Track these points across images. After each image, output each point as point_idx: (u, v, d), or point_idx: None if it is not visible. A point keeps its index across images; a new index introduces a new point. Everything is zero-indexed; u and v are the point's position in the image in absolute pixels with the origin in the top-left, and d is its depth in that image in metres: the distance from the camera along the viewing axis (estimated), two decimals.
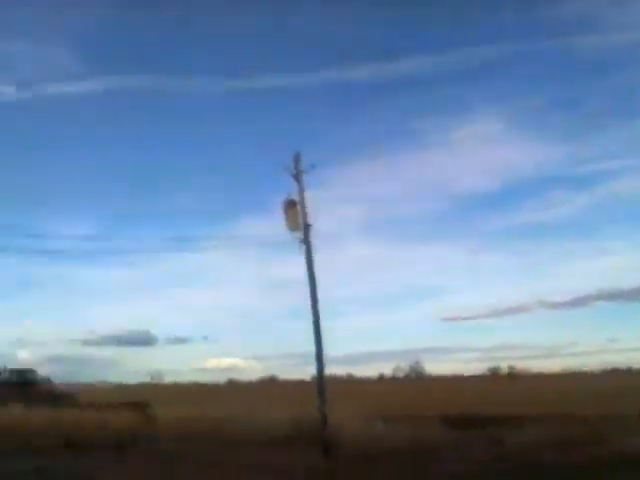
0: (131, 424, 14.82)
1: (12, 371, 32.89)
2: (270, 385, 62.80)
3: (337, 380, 42.35)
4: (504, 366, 72.11)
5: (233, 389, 51.70)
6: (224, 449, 12.05)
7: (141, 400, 26.54)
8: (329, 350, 13.30)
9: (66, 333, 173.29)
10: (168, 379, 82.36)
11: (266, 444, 12.22)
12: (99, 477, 10.52)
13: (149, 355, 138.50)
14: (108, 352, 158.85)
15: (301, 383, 43.65)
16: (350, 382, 48.41)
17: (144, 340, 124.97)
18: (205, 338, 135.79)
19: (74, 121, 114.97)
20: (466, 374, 70.13)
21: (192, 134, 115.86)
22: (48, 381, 34.42)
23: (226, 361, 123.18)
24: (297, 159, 13.74)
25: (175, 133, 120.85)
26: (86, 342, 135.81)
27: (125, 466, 11.47)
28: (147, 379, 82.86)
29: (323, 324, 13.05)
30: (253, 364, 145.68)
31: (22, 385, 30.39)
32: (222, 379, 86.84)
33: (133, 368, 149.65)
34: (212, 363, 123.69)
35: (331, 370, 15.04)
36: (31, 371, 33.53)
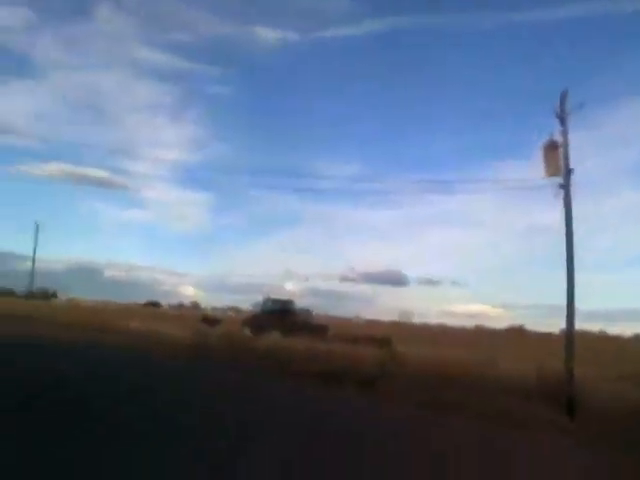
0: (379, 360, 15.68)
1: (274, 301, 34.77)
2: (517, 335, 60.65)
3: (588, 336, 38.86)
4: None
5: (480, 335, 51.23)
6: (466, 394, 12.14)
7: (385, 337, 27.71)
8: (581, 304, 12.48)
9: (327, 269, 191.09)
10: (417, 320, 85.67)
11: (508, 393, 12.00)
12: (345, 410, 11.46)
13: (400, 295, 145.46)
14: (363, 289, 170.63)
15: (549, 336, 41.37)
16: (602, 339, 43.94)
17: (397, 280, 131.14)
18: (455, 282, 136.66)
19: (347, 65, 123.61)
20: None
21: (453, 75, 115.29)
22: (307, 312, 35.72)
23: (474, 307, 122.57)
24: (563, 98, 12.74)
25: (436, 75, 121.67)
26: (344, 278, 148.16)
27: (371, 400, 12.46)
28: (397, 318, 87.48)
29: (578, 276, 12.24)
30: (501, 312, 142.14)
31: (281, 314, 32.04)
32: (470, 324, 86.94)
33: (385, 306, 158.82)
34: (460, 308, 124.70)
35: (582, 325, 13.90)
36: (290, 302, 35.14)
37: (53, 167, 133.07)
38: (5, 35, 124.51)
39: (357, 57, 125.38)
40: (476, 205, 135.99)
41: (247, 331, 28.42)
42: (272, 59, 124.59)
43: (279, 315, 31.94)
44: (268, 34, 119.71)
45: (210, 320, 26.87)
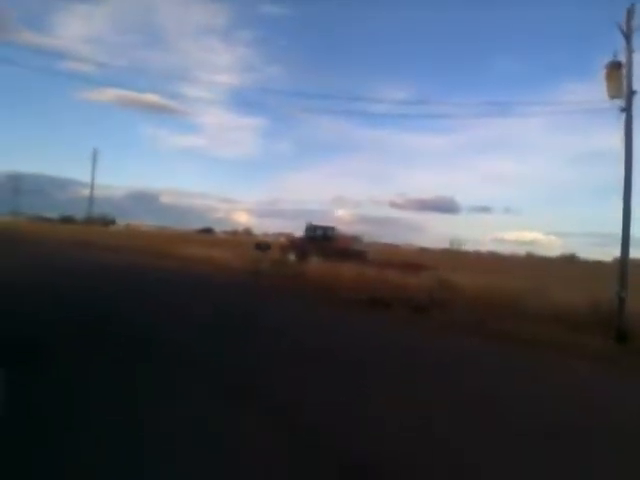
0: (427, 287, 15.97)
1: (315, 227, 35.29)
2: (569, 263, 59.77)
3: None
4: None
5: (531, 263, 50.83)
6: (514, 322, 12.35)
7: (419, 263, 28.06)
8: (637, 233, 12.27)
9: (378, 195, 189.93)
10: (468, 247, 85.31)
11: (557, 322, 12.14)
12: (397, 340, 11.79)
13: (452, 222, 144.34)
14: (414, 216, 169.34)
15: (601, 264, 40.60)
16: None
17: (448, 207, 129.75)
18: (507, 209, 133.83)
19: None
20: None
21: None
22: (351, 238, 35.92)
23: (526, 234, 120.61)
24: (630, 13, 12.00)
25: None
26: (395, 205, 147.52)
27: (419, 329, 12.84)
28: (448, 245, 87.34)
29: (635, 204, 11.99)
30: (553, 240, 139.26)
31: (322, 240, 32.93)
32: (521, 252, 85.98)
33: (436, 233, 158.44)
34: (512, 235, 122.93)
35: (637, 254, 13.63)
36: (331, 228, 35.51)
37: (110, 93, 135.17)
38: None
39: None
40: (531, 130, 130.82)
41: (291, 256, 29.29)
42: None
43: (320, 241, 32.74)
44: None
45: (262, 246, 27.95)
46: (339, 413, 5.41)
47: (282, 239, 45.74)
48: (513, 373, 8.33)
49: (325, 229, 35.30)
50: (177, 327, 9.81)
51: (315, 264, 22.31)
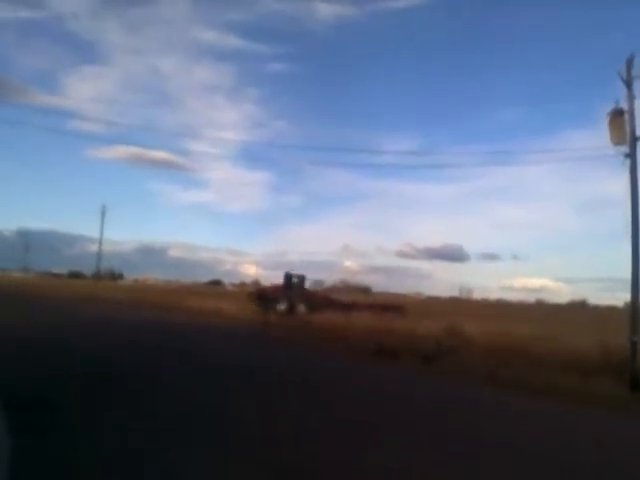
0: (435, 335, 15.86)
1: (291, 276, 35.99)
2: (579, 309, 59.08)
3: None
4: None
5: (541, 310, 50.29)
6: (527, 369, 12.20)
7: (398, 305, 28.98)
8: None
9: (385, 245, 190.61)
10: (476, 295, 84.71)
11: (569, 368, 11.98)
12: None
13: (460, 270, 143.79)
14: (422, 265, 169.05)
15: (613, 309, 40.16)
16: None
17: (456, 255, 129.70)
18: (515, 256, 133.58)
19: (404, 37, 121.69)
20: None
21: (514, 44, 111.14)
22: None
23: (535, 281, 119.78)
24: (630, 62, 12.35)
25: (497, 45, 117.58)
26: (403, 254, 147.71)
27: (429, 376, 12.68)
28: (456, 293, 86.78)
29: None
30: (562, 286, 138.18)
31: (296, 288, 33.84)
32: (530, 299, 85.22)
33: (444, 282, 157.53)
34: (521, 282, 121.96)
35: None
36: (301, 277, 36.43)
37: (118, 150, 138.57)
38: (72, 23, 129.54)
39: (413, 28, 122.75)
40: (536, 177, 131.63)
41: (280, 306, 30.23)
42: (331, 34, 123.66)
43: (294, 289, 33.72)
44: (326, 9, 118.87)
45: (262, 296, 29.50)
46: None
47: (250, 289, 46.43)
48: (533, 426, 8.14)
49: (299, 277, 36.44)
50: (190, 386, 9.74)
51: (329, 316, 22.39)
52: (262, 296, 33.70)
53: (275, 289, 35.65)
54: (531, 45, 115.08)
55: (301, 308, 27.83)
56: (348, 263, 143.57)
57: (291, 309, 28.37)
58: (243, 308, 28.62)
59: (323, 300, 32.00)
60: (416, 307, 34.69)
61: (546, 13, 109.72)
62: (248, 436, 6.12)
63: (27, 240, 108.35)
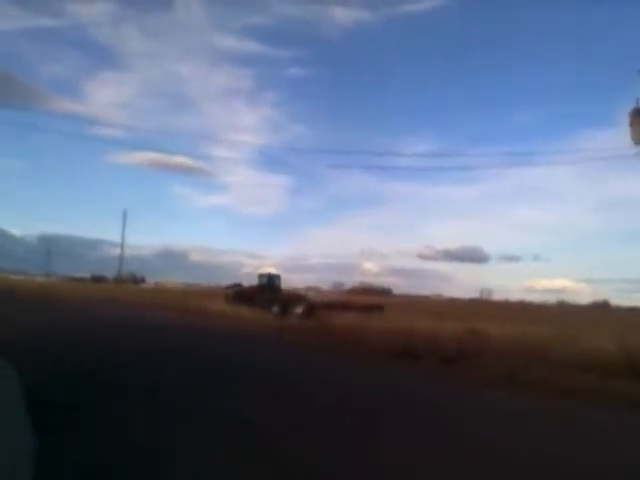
0: (456, 337, 15.79)
1: (263, 276, 37.62)
2: (601, 310, 58.27)
3: None
4: None
5: (562, 311, 49.71)
6: (548, 372, 12.11)
7: (377, 304, 29.49)
8: None
9: (405, 247, 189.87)
10: (497, 296, 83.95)
11: (591, 369, 11.87)
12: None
13: (480, 271, 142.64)
14: (442, 267, 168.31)
15: (634, 310, 39.60)
16: None
17: (477, 257, 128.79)
18: (536, 257, 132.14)
19: (416, 40, 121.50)
20: None
21: (532, 44, 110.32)
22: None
23: (556, 282, 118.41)
24: None
25: (515, 45, 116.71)
26: (422, 256, 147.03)
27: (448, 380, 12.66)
28: (477, 295, 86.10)
29: None
30: (583, 287, 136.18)
31: (269, 288, 35.14)
32: (551, 300, 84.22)
33: (465, 283, 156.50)
34: (542, 283, 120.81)
35: None
36: (278, 277, 37.84)
37: (138, 156, 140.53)
38: (92, 30, 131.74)
39: (429, 31, 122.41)
40: (556, 178, 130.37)
41: (274, 309, 30.69)
42: (347, 38, 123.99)
43: (268, 289, 34.95)
44: (343, 13, 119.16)
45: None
46: None
47: (311, 292, 46.81)
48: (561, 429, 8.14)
49: (271, 277, 37.38)
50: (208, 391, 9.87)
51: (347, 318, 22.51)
52: (240, 296, 34.19)
53: (251, 289, 36.30)
54: (548, 45, 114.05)
55: (298, 310, 28.19)
56: (368, 265, 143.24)
57: (284, 311, 28.70)
58: (262, 311, 28.73)
59: (299, 300, 32.34)
60: (436, 308, 34.57)
61: (564, 12, 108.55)
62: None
63: (49, 245, 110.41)
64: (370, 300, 37.09)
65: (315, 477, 4.87)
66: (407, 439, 6.53)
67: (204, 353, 14.51)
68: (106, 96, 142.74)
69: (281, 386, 10.06)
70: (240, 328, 23.01)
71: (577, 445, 6.75)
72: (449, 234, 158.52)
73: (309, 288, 64.81)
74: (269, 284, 36.23)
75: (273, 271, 41.68)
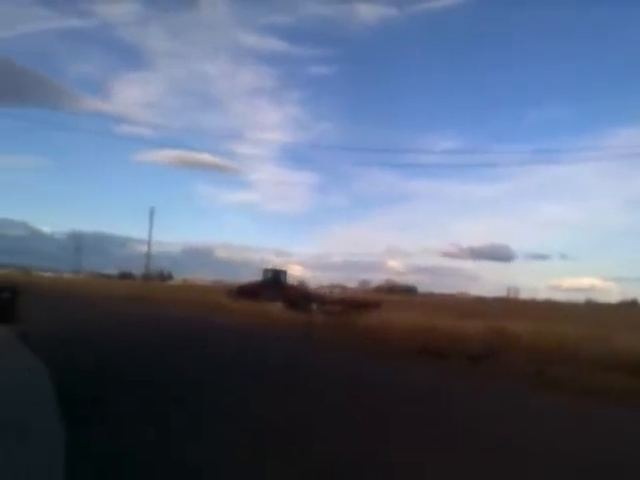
0: (483, 336, 15.70)
1: (268, 271, 37.06)
2: (630, 308, 57.15)
3: None
4: None
5: (591, 310, 48.88)
6: (575, 370, 12.02)
7: (375, 301, 29.05)
8: None
9: (430, 245, 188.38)
10: (524, 295, 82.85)
11: (621, 369, 11.76)
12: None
13: (507, 270, 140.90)
14: (468, 265, 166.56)
15: None
16: None
17: (503, 255, 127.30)
18: (563, 256, 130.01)
19: (440, 37, 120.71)
20: None
21: (560, 40, 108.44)
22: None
23: (584, 281, 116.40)
24: None
25: (542, 42, 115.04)
26: (448, 254, 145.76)
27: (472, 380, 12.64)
28: (504, 294, 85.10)
29: None
30: (612, 285, 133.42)
31: (274, 284, 34.70)
32: (579, 299, 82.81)
33: (491, 282, 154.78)
34: (569, 282, 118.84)
35: None
36: (283, 272, 37.39)
37: (165, 154, 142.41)
38: (119, 30, 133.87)
39: (453, 28, 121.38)
40: (583, 175, 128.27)
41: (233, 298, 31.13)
42: (372, 36, 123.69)
43: (272, 285, 34.49)
44: (367, 11, 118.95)
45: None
46: None
47: (336, 290, 46.83)
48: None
49: (277, 273, 36.81)
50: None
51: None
52: (244, 292, 34.05)
53: (255, 285, 36.00)
54: (575, 41, 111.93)
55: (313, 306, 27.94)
56: (393, 263, 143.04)
57: (291, 307, 28.66)
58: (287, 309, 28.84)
59: (303, 296, 32.04)
60: (462, 307, 34.29)
61: (591, 8, 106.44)
62: None
63: (78, 242, 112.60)
64: (393, 299, 36.90)
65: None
66: (419, 437, 6.55)
67: (216, 350, 14.77)
68: (133, 95, 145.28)
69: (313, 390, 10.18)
70: (266, 326, 23.19)
71: (595, 444, 6.73)
72: (475, 232, 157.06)
73: (333, 286, 64.85)
74: (274, 279, 35.94)
75: (296, 267, 42.03)
